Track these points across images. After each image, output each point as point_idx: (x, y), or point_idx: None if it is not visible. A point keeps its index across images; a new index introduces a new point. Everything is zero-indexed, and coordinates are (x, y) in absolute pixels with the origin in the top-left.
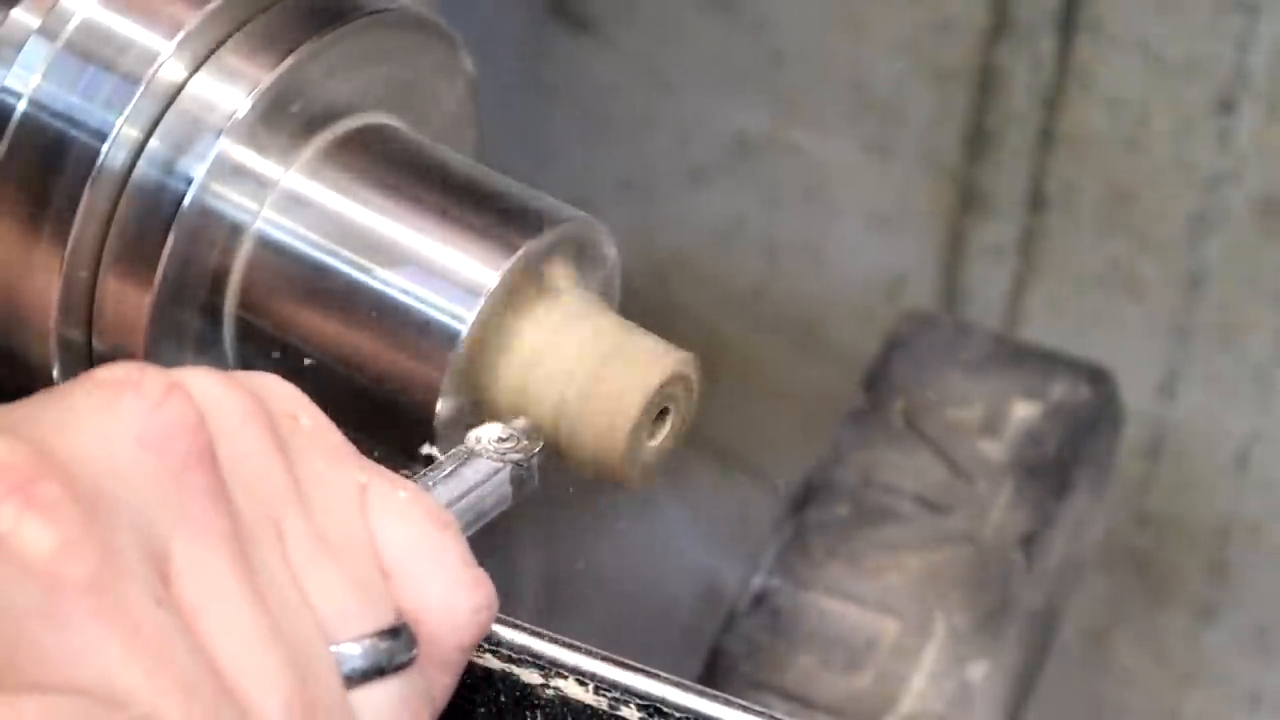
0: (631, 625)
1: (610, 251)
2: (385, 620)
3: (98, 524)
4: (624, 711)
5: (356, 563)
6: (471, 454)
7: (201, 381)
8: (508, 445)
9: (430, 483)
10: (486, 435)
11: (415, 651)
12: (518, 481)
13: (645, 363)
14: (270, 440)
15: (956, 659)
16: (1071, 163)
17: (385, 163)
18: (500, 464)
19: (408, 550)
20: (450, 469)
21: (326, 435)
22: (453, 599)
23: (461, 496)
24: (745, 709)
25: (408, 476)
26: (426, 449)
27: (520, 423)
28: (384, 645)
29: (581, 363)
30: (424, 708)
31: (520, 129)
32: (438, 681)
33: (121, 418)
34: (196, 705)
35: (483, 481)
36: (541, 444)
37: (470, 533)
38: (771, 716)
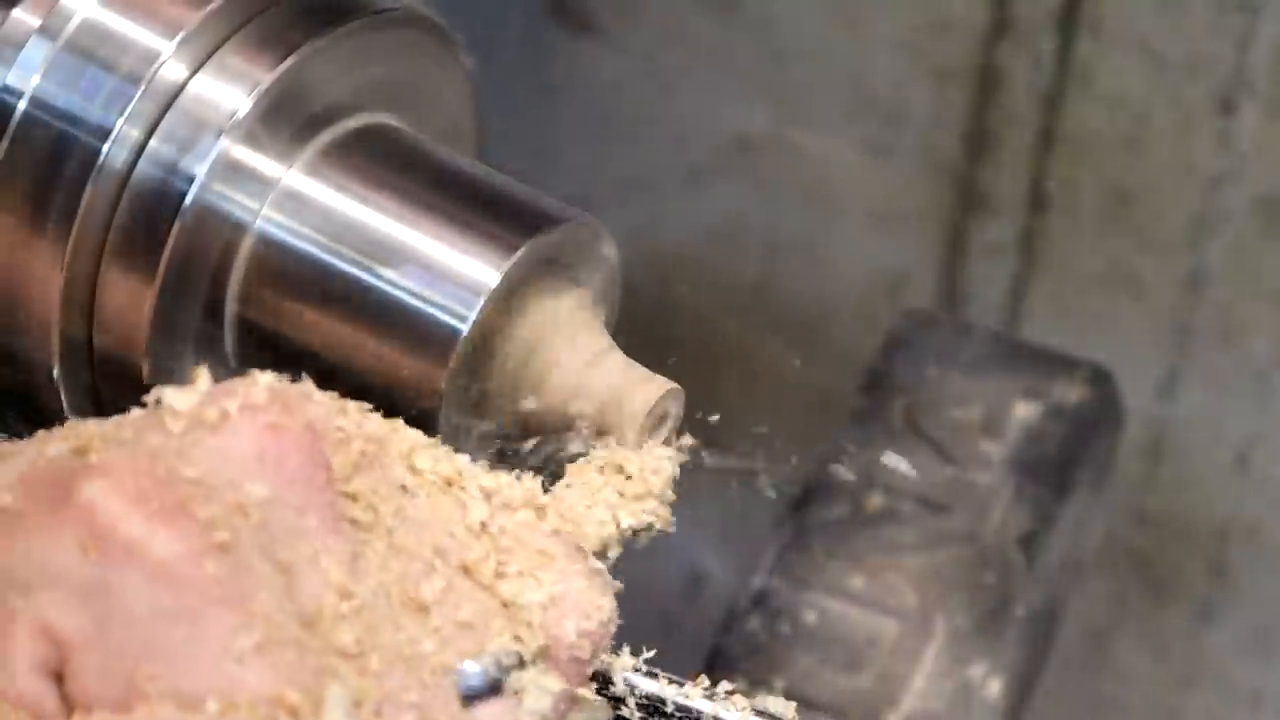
0: (631, 625)
1: (610, 251)
2: (505, 635)
3: (225, 532)
4: (624, 711)
5: (473, 575)
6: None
7: (314, 400)
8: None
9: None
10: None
11: (537, 665)
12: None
13: (647, 370)
14: (378, 458)
15: (956, 659)
16: (1071, 163)
17: (386, 162)
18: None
19: (525, 560)
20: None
21: (442, 456)
22: (573, 606)
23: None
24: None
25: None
26: None
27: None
28: (505, 662)
29: (586, 363)
30: (547, 716)
31: (520, 129)
32: (561, 689)
33: (244, 432)
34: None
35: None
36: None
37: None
38: (771, 716)
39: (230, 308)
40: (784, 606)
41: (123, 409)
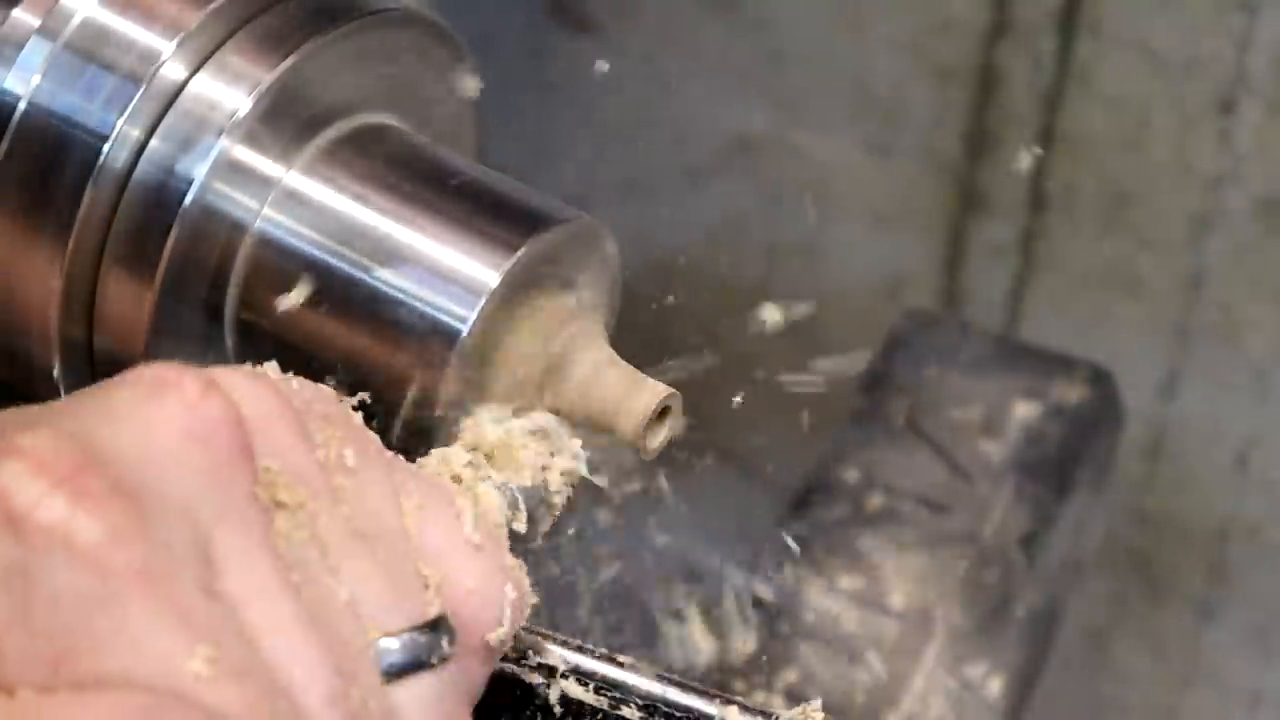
0: (631, 624)
1: (610, 251)
2: (424, 613)
3: (145, 515)
4: (624, 711)
5: (393, 556)
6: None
7: (238, 380)
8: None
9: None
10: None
11: (454, 645)
12: (554, 491)
13: (644, 375)
14: (303, 438)
15: (956, 659)
16: (1071, 163)
17: (386, 162)
18: (536, 472)
19: (442, 541)
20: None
21: (359, 433)
22: (487, 588)
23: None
24: (745, 709)
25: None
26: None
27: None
28: (423, 639)
29: (585, 365)
30: (462, 698)
31: (520, 129)
32: (475, 671)
33: (164, 414)
34: (252, 694)
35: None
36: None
37: (511, 528)
38: (770, 715)
39: (230, 308)
40: (784, 606)
41: None
